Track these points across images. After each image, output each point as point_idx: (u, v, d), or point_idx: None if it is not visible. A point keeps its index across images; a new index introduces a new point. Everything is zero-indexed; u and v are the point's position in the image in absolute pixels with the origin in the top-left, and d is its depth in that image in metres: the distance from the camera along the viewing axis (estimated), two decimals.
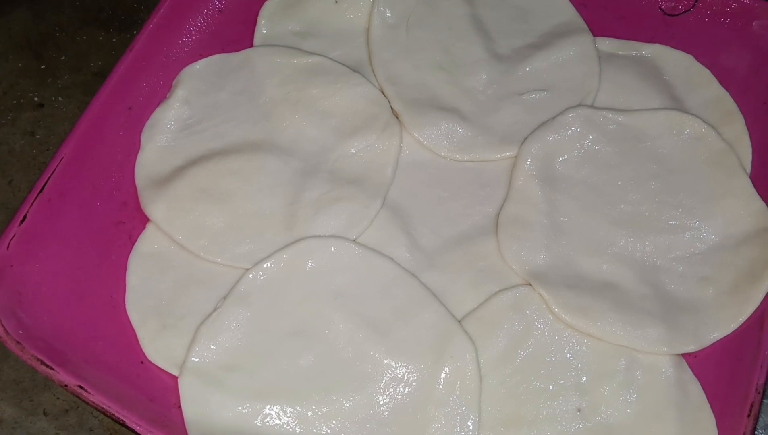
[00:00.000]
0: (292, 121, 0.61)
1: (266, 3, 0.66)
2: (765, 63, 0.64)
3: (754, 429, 0.47)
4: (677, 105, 0.63)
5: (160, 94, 0.63)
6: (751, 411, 0.47)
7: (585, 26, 0.66)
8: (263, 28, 0.66)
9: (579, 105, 0.62)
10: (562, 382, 0.52)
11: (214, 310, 0.53)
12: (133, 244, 0.57)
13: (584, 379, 0.52)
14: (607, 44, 0.66)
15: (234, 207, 0.57)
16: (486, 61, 0.65)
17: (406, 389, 0.51)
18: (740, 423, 0.48)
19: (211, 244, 0.56)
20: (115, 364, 0.52)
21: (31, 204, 0.53)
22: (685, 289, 0.55)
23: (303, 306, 0.53)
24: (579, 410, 0.51)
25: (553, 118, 0.61)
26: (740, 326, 0.53)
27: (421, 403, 0.51)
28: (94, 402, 0.47)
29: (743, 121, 0.62)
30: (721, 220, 0.57)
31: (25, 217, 0.53)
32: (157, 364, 0.53)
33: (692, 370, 0.53)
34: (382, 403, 0.51)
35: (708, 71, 0.65)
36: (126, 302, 0.55)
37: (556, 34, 0.66)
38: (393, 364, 0.52)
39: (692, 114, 0.61)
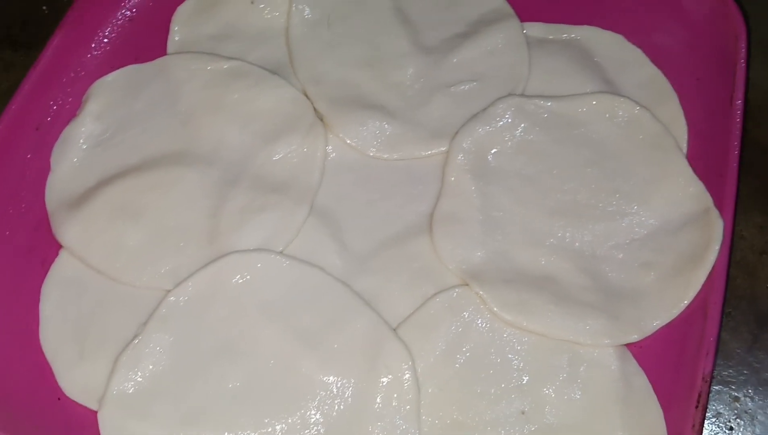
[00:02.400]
0: (211, 129, 0.59)
1: (179, 8, 0.63)
2: (697, 39, 0.62)
3: (703, 420, 0.45)
4: (610, 88, 0.61)
5: (70, 110, 0.60)
6: (699, 402, 0.46)
7: (512, 12, 0.64)
8: (176, 34, 0.63)
9: (509, 94, 0.60)
10: (503, 384, 0.50)
11: (135, 337, 0.50)
12: (47, 272, 0.54)
13: (526, 379, 0.50)
14: (536, 29, 0.64)
15: (152, 224, 0.54)
16: (412, 54, 0.62)
17: (342, 405, 0.48)
18: (688, 415, 0.46)
19: (128, 266, 0.53)
20: (29, 403, 0.49)
21: None
22: (626, 277, 0.53)
23: (229, 324, 0.50)
24: (523, 413, 0.49)
25: (484, 109, 0.59)
26: (683, 312, 0.51)
27: (358, 419, 0.48)
28: None
29: (677, 100, 0.61)
30: (659, 204, 0.56)
31: None
32: (74, 399, 0.49)
33: (637, 361, 0.51)
34: (316, 422, 0.48)
35: (640, 51, 0.63)
36: (40, 333, 0.51)
37: (484, 22, 0.64)
38: (326, 379, 0.49)
39: (625, 96, 0.59)
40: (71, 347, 0.51)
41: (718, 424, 0.53)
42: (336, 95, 0.60)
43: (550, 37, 0.64)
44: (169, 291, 0.51)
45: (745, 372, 0.54)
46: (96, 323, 0.51)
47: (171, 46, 0.62)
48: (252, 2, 0.64)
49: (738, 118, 0.55)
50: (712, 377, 0.47)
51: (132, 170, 0.56)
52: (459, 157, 0.58)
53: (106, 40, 0.62)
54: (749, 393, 0.53)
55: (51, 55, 0.58)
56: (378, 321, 0.50)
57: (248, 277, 0.51)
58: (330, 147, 0.59)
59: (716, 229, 0.52)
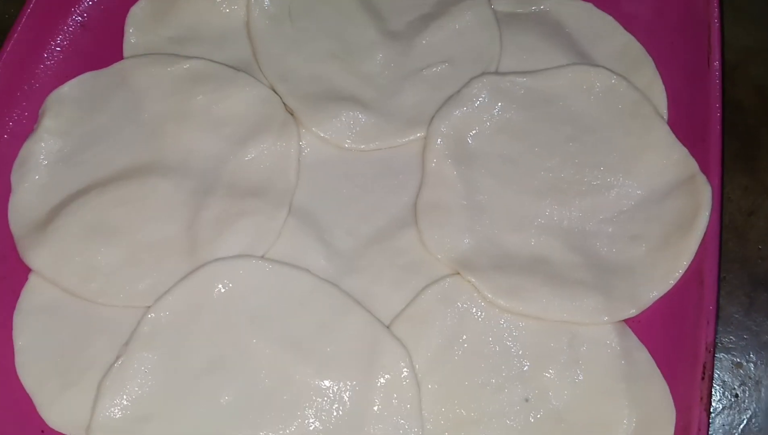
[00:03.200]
0: (180, 136, 0.56)
1: (132, 9, 0.60)
2: (668, 2, 0.61)
3: (710, 392, 0.44)
4: (584, 59, 0.60)
5: (27, 126, 0.56)
6: (704, 373, 0.45)
7: None
8: (132, 37, 0.60)
9: (483, 73, 0.58)
10: (504, 373, 0.49)
11: (117, 358, 0.47)
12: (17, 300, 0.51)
13: (527, 366, 0.49)
14: (503, 3, 0.63)
15: (126, 240, 0.52)
16: (380, 41, 0.60)
17: (341, 410, 0.47)
18: (694, 387, 0.45)
19: (105, 286, 0.50)
20: None
21: None
22: (617, 251, 0.52)
23: (217, 337, 0.48)
24: (526, 400, 0.48)
25: (458, 91, 0.57)
26: (678, 282, 0.50)
27: (359, 422, 0.46)
28: None
29: (653, 66, 0.59)
30: (644, 174, 0.55)
31: None
32: (59, 431, 0.47)
33: (637, 336, 0.50)
34: (315, 429, 0.46)
35: (611, 18, 0.62)
36: (16, 365, 0.49)
37: (450, 1, 0.62)
38: (322, 384, 0.47)
39: (600, 66, 0.58)
40: (51, 377, 0.48)
41: (723, 392, 0.52)
42: (306, 90, 0.58)
43: (519, 10, 0.63)
44: (149, 307, 0.49)
45: (745, 337, 0.53)
46: (76, 349, 0.49)
47: (127, 51, 0.59)
48: None
49: (717, 80, 0.54)
50: (714, 346, 0.46)
51: (100, 185, 0.54)
52: (437, 142, 0.56)
53: (58, 49, 0.59)
54: (752, 358, 0.53)
55: (0, 69, 0.55)
56: (371, 320, 0.49)
57: (231, 285, 0.49)
58: (304, 143, 0.57)
59: (704, 195, 0.51)
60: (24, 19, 0.56)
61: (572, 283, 0.51)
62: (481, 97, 0.57)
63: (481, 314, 0.50)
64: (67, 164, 0.55)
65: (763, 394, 0.51)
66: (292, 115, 0.57)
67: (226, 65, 0.58)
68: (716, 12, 0.57)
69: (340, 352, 0.48)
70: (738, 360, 0.53)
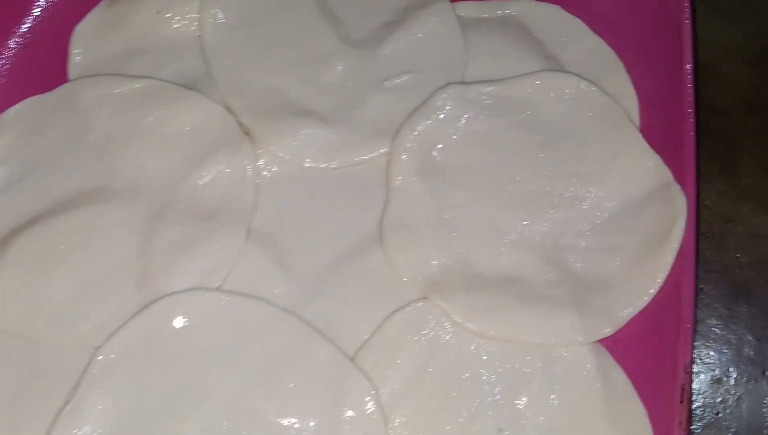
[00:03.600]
0: (129, 159, 0.53)
1: (77, 27, 0.57)
2: (637, 2, 0.59)
3: (690, 415, 0.42)
4: (553, 64, 0.58)
5: None
6: (683, 396, 0.43)
7: None
8: (77, 56, 0.57)
9: (448, 83, 0.55)
10: (477, 401, 0.46)
11: (66, 404, 0.45)
12: None
13: (499, 393, 0.46)
14: (468, 9, 0.60)
15: (73, 274, 0.49)
16: (341, 50, 0.58)
17: None
18: (673, 410, 0.43)
19: (50, 326, 0.47)
20: None
21: None
22: (591, 265, 0.50)
23: (172, 376, 0.46)
24: (500, 430, 0.46)
25: (423, 102, 0.55)
26: (655, 297, 0.48)
27: None
28: None
29: (624, 70, 0.57)
30: (618, 183, 0.53)
31: None
32: None
33: (614, 357, 0.48)
34: None
35: (579, 20, 0.60)
36: None
37: (413, 7, 0.60)
38: (286, 422, 0.45)
39: (569, 72, 0.56)
40: None
41: (703, 411, 0.50)
42: (262, 105, 0.55)
43: (484, 15, 0.61)
44: (98, 348, 0.46)
45: (725, 350, 0.51)
46: (19, 397, 0.46)
47: (73, 71, 0.56)
48: (158, 12, 0.58)
49: (689, 84, 0.52)
50: (692, 364, 0.44)
51: (45, 215, 0.51)
52: (402, 158, 0.53)
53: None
54: (732, 373, 0.51)
55: None
56: (334, 352, 0.46)
57: (185, 320, 0.47)
58: (262, 163, 0.54)
59: (679, 205, 0.50)
60: None
61: (546, 300, 0.49)
62: (447, 108, 0.55)
63: (450, 340, 0.48)
64: (9, 195, 0.52)
65: (744, 412, 0.49)
66: (248, 133, 0.54)
67: (177, 83, 0.55)
68: (687, 11, 0.55)
69: (302, 388, 0.45)
70: (718, 376, 0.51)
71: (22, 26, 0.57)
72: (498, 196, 0.53)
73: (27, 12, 0.58)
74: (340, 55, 0.58)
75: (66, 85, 0.55)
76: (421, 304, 0.49)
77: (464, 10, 0.60)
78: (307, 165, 0.54)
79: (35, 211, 0.51)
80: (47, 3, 0.59)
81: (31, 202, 0.52)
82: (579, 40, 0.59)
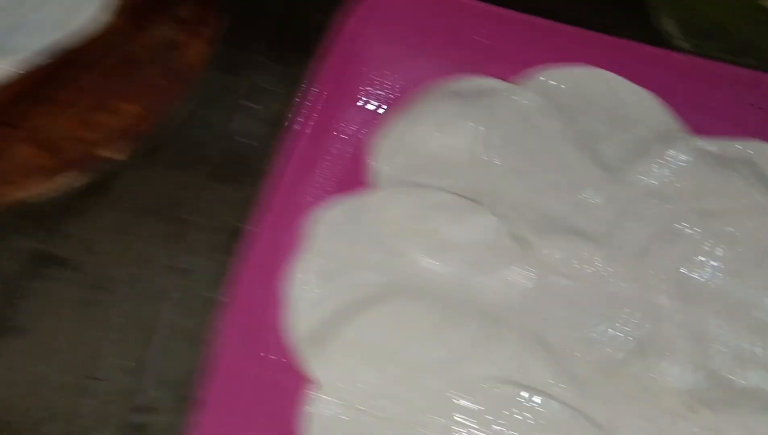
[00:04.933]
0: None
1: (376, 140, 0.68)
2: None
3: None
4: None
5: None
6: None
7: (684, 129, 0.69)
8: (377, 163, 0.68)
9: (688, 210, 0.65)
10: None
11: None
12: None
13: None
14: (707, 144, 0.68)
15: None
16: (598, 176, 0.67)
17: None
18: None
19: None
20: None
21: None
22: None
23: None
24: None
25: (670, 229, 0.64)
26: None
27: None
28: None
29: None
30: None
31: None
32: None
33: None
34: None
35: None
36: None
37: (662, 141, 0.68)
38: None
39: None
40: None
41: None
42: (532, 218, 0.65)
43: (721, 152, 0.69)
44: None
45: None
46: None
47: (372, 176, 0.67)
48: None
49: None
50: None
51: (360, 304, 0.60)
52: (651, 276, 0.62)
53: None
54: None
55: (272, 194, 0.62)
56: None
57: None
58: (531, 270, 0.63)
59: None
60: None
61: None
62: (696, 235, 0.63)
63: None
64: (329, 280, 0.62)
65: None
66: (519, 243, 0.64)
67: (466, 197, 0.65)
68: None
69: None
70: None
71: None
72: (742, 321, 0.60)
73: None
74: (596, 180, 0.67)
75: (377, 191, 0.66)
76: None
77: (704, 144, 0.68)
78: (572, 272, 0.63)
79: (355, 299, 0.61)
80: None
81: (346, 290, 0.62)
82: None
